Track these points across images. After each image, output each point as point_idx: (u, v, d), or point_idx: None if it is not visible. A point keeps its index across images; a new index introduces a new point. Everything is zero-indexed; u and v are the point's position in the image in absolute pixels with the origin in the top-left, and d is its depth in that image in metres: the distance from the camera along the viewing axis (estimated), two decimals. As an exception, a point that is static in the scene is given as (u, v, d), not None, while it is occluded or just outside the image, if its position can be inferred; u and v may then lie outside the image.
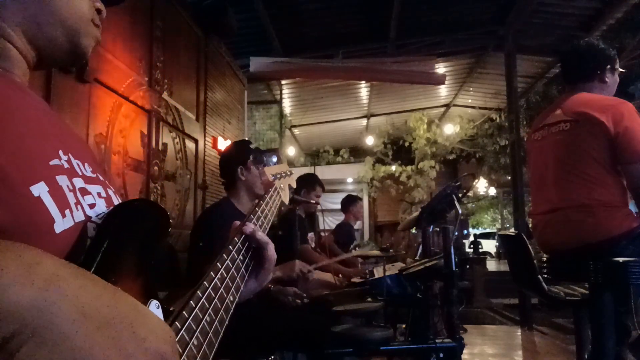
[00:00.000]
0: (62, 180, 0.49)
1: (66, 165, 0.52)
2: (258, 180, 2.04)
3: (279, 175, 1.15)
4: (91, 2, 0.61)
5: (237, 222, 0.70)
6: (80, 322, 0.30)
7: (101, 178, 0.59)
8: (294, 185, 1.27)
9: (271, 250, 0.68)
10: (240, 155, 2.06)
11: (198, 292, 0.49)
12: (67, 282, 0.31)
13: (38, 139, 0.49)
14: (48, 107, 0.60)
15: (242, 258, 0.64)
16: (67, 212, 0.47)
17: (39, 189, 0.44)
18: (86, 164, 0.57)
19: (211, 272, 0.54)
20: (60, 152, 0.52)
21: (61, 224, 0.46)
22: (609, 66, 1.88)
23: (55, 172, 0.48)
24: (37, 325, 0.28)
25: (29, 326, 0.28)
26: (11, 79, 0.53)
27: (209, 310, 0.49)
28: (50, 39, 0.56)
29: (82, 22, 0.59)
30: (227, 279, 0.57)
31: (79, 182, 0.52)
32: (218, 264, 0.57)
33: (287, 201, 1.11)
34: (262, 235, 0.68)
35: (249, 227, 0.67)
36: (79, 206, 0.50)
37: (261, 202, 0.85)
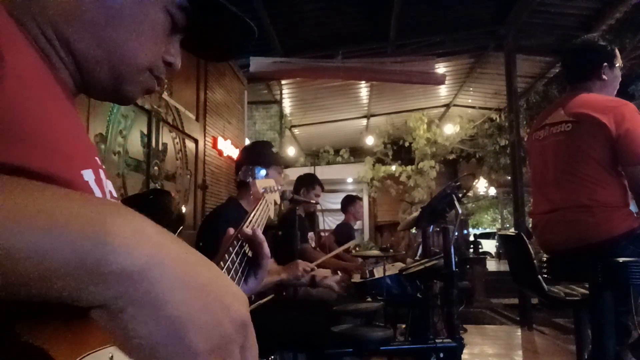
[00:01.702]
0: (102, 174, 0.52)
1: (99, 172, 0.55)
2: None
3: (268, 190, 1.17)
4: (158, 52, 0.58)
5: (231, 230, 0.74)
6: (178, 290, 0.32)
7: (115, 195, 0.62)
8: (278, 202, 1.29)
9: (265, 250, 0.73)
10: (260, 157, 2.04)
11: None
12: (168, 249, 0.33)
13: (82, 138, 0.53)
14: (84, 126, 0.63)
15: (240, 260, 0.67)
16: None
17: (88, 175, 0.47)
18: (109, 181, 0.60)
19: None
20: (95, 164, 0.55)
21: None
22: (605, 63, 1.88)
23: (99, 167, 0.52)
24: (142, 291, 0.30)
25: (134, 291, 0.30)
26: (65, 84, 0.54)
27: None
28: (94, 75, 0.55)
29: (132, 69, 0.56)
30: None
31: (110, 186, 0.56)
32: (221, 263, 0.60)
33: (272, 216, 1.14)
34: (259, 233, 0.73)
35: (248, 229, 0.72)
36: None
37: (254, 212, 0.88)
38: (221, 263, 0.60)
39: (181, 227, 0.52)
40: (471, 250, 10.79)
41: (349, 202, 4.26)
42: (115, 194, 0.57)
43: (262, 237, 0.72)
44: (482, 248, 11.83)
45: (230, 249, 0.65)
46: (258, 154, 2.05)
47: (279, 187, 1.34)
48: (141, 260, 0.30)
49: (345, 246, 3.10)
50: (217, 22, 0.64)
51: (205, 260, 0.36)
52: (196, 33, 0.63)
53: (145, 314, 0.30)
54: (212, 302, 0.34)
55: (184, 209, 3.52)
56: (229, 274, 0.60)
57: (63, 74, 0.54)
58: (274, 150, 2.08)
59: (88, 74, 0.55)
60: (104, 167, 0.60)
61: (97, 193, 0.47)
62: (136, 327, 0.30)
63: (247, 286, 0.70)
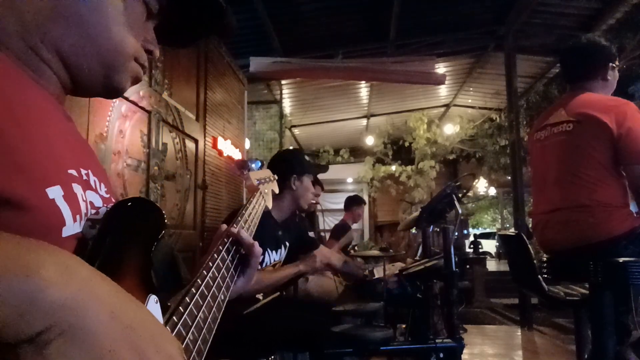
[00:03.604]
0: (77, 189, 0.50)
1: (84, 178, 0.53)
2: (307, 193, 2.01)
3: (263, 181, 1.17)
4: (139, 40, 0.59)
5: (224, 226, 0.73)
6: (108, 324, 0.32)
7: (113, 200, 0.60)
8: (277, 191, 1.29)
9: (256, 249, 0.72)
10: (297, 165, 2.03)
11: (192, 289, 0.51)
12: (98, 285, 0.33)
13: (61, 148, 0.51)
14: (76, 128, 0.61)
15: (231, 258, 0.67)
16: (77, 217, 0.48)
17: (55, 192, 0.45)
18: (102, 184, 0.59)
19: (203, 271, 0.56)
20: (80, 167, 0.53)
21: (70, 229, 0.47)
22: (611, 64, 1.88)
23: (72, 180, 0.50)
24: (70, 323, 0.30)
25: (62, 323, 0.30)
26: (47, 92, 0.54)
27: (203, 307, 0.51)
28: (85, 68, 0.55)
29: (121, 57, 0.57)
30: (219, 277, 0.59)
31: (90, 195, 0.54)
32: (210, 263, 0.59)
33: (270, 206, 1.14)
34: (246, 235, 0.71)
35: (235, 228, 0.71)
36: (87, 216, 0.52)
37: (247, 205, 0.87)
38: (209, 263, 0.59)
39: (163, 232, 0.52)
40: (471, 250, 10.78)
41: (354, 203, 4.25)
42: (98, 202, 0.54)
43: (249, 239, 0.71)
44: (482, 248, 11.81)
45: (220, 247, 0.65)
46: (292, 162, 2.05)
47: (273, 178, 1.33)
48: (70, 293, 0.30)
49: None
50: (185, 4, 0.64)
51: (136, 301, 0.37)
52: (166, 18, 0.64)
53: (73, 346, 0.30)
54: (141, 340, 0.33)
55: (186, 209, 3.52)
56: (218, 272, 0.60)
57: (47, 79, 0.53)
58: (308, 158, 2.08)
59: (78, 69, 0.55)
60: (96, 167, 0.58)
61: (65, 211, 0.46)
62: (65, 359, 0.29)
63: (235, 286, 0.69)
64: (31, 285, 0.29)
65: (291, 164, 2.05)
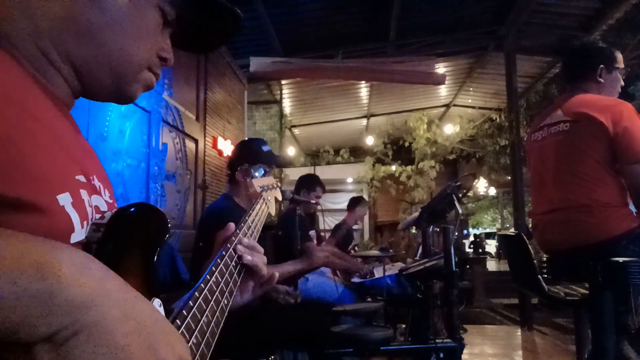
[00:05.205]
0: (84, 194, 0.50)
1: (91, 183, 0.54)
2: (253, 186, 2.02)
3: (266, 187, 1.17)
4: (154, 49, 0.59)
5: (232, 225, 0.72)
6: (123, 322, 0.32)
7: (117, 205, 0.61)
8: (280, 198, 1.30)
9: (260, 265, 0.70)
10: (252, 153, 2.04)
11: (196, 293, 0.51)
12: (112, 284, 0.34)
13: (69, 154, 0.51)
14: (80, 133, 0.61)
15: (234, 264, 0.66)
16: (84, 223, 0.49)
17: (64, 199, 0.45)
18: (106, 190, 0.59)
19: (207, 275, 0.56)
20: (87, 173, 0.53)
21: (78, 235, 0.47)
22: (602, 66, 1.88)
23: (80, 186, 0.50)
24: (86, 321, 0.31)
25: (79, 321, 0.30)
26: (55, 96, 0.53)
27: (206, 311, 0.51)
28: (95, 77, 0.55)
29: (133, 68, 0.57)
30: (222, 282, 0.59)
31: (96, 200, 0.54)
32: (213, 267, 0.59)
33: (273, 213, 1.14)
34: (250, 260, 0.68)
35: (240, 248, 0.69)
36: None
37: (251, 212, 0.86)
38: (212, 267, 0.59)
39: (166, 237, 0.52)
40: (471, 250, 10.79)
41: (357, 203, 4.24)
42: (103, 207, 0.54)
43: (253, 261, 0.68)
44: (487, 246, 11.78)
45: (223, 252, 0.64)
46: (248, 151, 2.05)
47: (277, 185, 1.33)
48: (86, 292, 0.31)
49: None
50: (203, 12, 0.64)
51: (147, 301, 0.37)
52: (184, 26, 0.63)
53: (88, 344, 0.30)
54: (153, 338, 0.34)
55: (187, 208, 3.52)
56: (222, 277, 0.59)
57: (57, 85, 0.53)
58: (265, 148, 2.06)
59: (89, 77, 0.55)
60: (100, 172, 0.58)
61: (74, 217, 0.46)
62: (81, 356, 0.30)
63: (242, 298, 0.69)
64: (48, 285, 0.29)
65: (245, 153, 2.05)
